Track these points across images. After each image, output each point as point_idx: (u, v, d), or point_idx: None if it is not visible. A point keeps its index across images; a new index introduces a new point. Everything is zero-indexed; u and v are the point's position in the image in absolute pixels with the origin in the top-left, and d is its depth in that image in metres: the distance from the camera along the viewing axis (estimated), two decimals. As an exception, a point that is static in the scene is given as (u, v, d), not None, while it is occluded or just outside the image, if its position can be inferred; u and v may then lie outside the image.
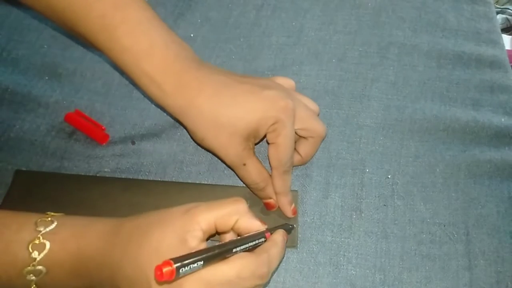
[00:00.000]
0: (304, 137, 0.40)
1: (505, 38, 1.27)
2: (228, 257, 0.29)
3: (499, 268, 0.39)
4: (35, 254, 0.30)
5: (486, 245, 0.40)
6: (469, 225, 0.41)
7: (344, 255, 0.39)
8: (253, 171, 0.37)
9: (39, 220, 0.31)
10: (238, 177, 0.39)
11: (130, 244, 0.29)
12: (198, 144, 0.38)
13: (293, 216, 0.40)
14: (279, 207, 0.40)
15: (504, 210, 0.42)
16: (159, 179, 0.42)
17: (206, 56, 0.50)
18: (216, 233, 0.32)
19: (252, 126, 0.35)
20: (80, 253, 0.30)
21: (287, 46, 0.51)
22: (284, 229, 0.35)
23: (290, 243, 0.39)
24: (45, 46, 0.50)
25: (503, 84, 0.50)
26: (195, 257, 0.26)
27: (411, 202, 0.42)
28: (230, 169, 0.43)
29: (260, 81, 0.38)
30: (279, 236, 0.33)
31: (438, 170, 0.44)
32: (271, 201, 0.39)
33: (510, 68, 0.52)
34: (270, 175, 0.39)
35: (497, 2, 1.33)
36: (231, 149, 0.35)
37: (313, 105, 0.41)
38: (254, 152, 0.37)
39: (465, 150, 0.45)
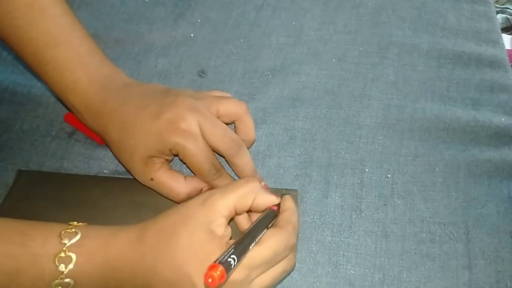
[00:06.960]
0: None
1: (505, 38, 1.27)
2: (258, 240, 0.30)
3: (498, 268, 0.39)
4: (62, 267, 0.30)
5: (486, 244, 0.40)
6: (469, 224, 0.41)
7: (344, 254, 0.39)
8: (165, 182, 0.37)
9: (63, 231, 0.31)
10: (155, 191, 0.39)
11: (160, 249, 0.30)
12: None
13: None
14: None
15: (504, 209, 0.42)
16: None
17: (206, 56, 0.50)
18: (235, 215, 0.33)
19: (151, 148, 0.36)
20: (109, 266, 0.31)
21: (287, 46, 0.51)
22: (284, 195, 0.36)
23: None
24: (45, 46, 0.50)
25: (503, 84, 0.50)
26: (233, 251, 0.27)
27: (411, 202, 0.42)
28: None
29: (168, 98, 0.37)
30: (289, 202, 0.35)
31: (437, 169, 0.44)
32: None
33: (510, 68, 0.52)
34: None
35: (497, 2, 1.33)
36: (134, 169, 0.38)
37: (236, 108, 0.39)
38: (166, 165, 0.38)
39: (465, 149, 0.45)
